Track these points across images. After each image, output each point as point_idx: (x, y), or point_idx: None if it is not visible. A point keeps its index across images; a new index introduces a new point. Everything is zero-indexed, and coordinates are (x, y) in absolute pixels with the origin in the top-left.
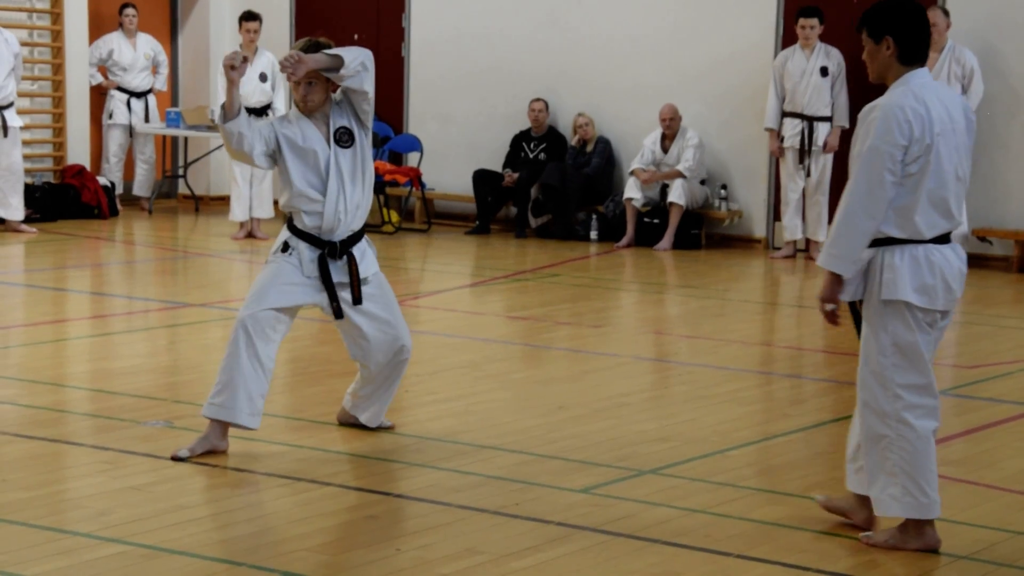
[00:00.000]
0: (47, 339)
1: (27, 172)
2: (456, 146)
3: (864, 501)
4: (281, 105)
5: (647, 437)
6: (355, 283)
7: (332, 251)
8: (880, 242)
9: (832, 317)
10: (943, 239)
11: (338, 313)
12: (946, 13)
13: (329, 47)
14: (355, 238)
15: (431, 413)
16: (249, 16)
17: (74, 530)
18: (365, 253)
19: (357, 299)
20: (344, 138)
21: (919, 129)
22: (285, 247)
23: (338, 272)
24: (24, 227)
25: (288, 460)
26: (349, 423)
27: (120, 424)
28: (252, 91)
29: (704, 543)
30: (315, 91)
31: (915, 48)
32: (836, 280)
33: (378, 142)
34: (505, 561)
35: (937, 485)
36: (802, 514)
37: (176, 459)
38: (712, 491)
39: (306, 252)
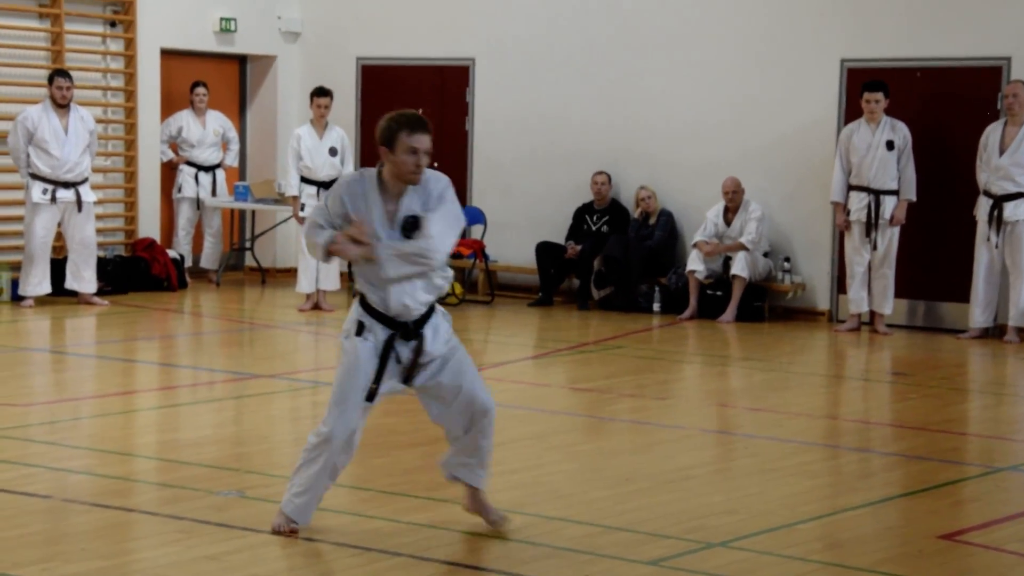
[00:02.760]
0: (118, 410)
1: (99, 246)
2: (519, 218)
3: None
4: None
5: (714, 510)
6: (413, 365)
7: (405, 333)
8: None
9: None
10: None
11: (406, 380)
12: None
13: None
14: (427, 316)
15: (499, 484)
16: (321, 92)
17: None
18: (438, 329)
19: (408, 379)
20: (409, 227)
21: None
22: (360, 328)
23: (406, 351)
24: (96, 299)
25: (358, 531)
26: (477, 512)
27: (192, 494)
28: (323, 164)
29: None
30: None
31: None
32: None
33: None
34: None
35: None
36: None
37: (288, 533)
38: (781, 564)
39: (379, 333)
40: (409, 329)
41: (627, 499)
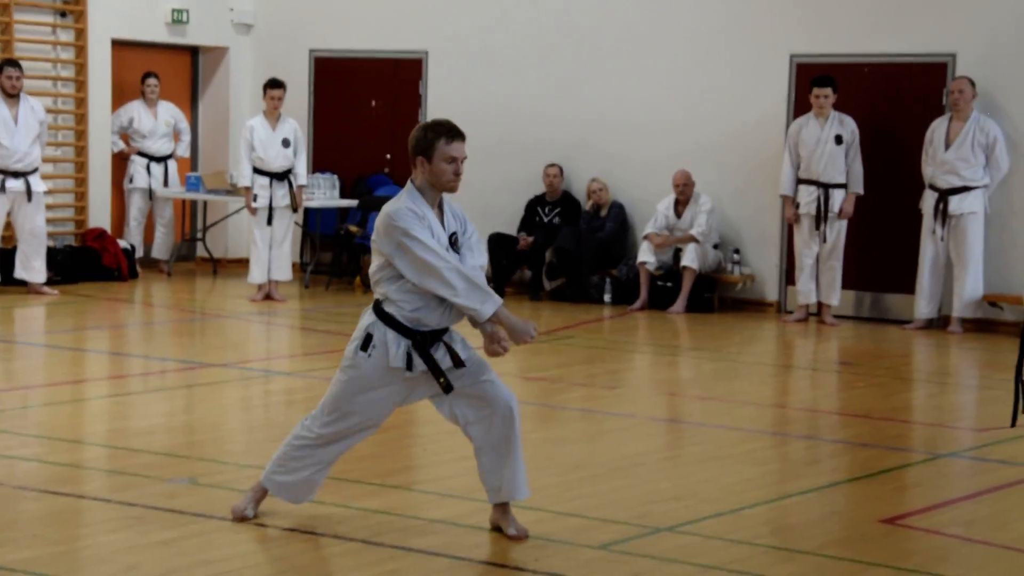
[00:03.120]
0: (68, 399)
1: (49, 235)
2: (471, 210)
3: None
4: (302, 170)
5: (663, 496)
6: (440, 370)
7: (425, 339)
8: None
9: None
10: None
11: (447, 388)
12: (972, 83)
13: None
14: (445, 329)
15: (449, 471)
16: (274, 84)
17: None
18: (453, 339)
19: (447, 387)
20: (455, 244)
21: None
22: (366, 343)
23: (440, 356)
24: (46, 289)
25: (309, 516)
26: (499, 523)
27: (144, 481)
28: (275, 156)
29: None
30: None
31: None
32: None
33: None
34: None
35: None
36: (818, 571)
37: (239, 519)
38: (728, 549)
39: (392, 341)
40: (427, 339)
41: (577, 486)
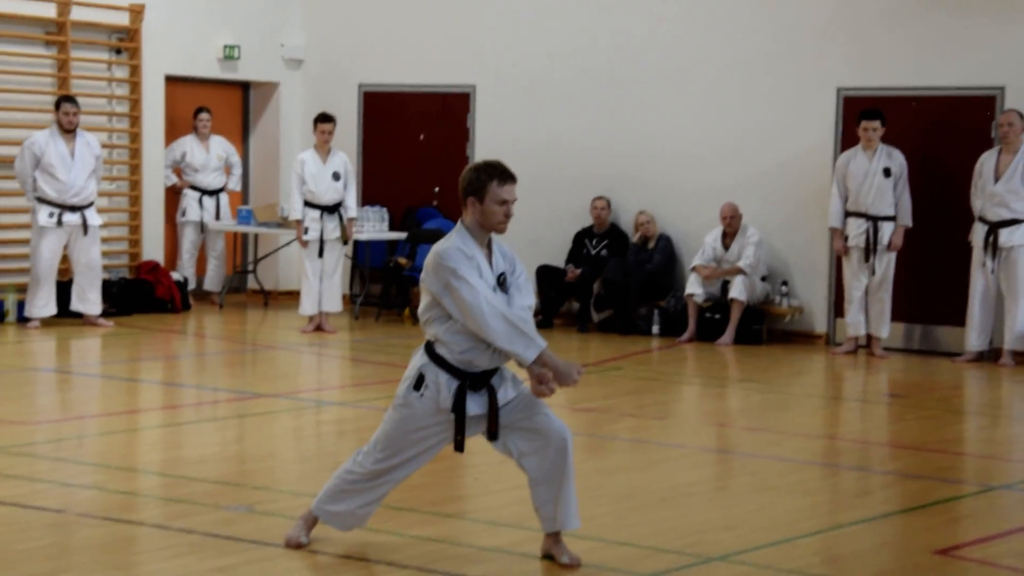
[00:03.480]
0: (123, 428)
1: (104, 268)
2: (519, 242)
3: None
4: (352, 203)
5: (714, 525)
6: (492, 416)
7: (474, 383)
8: None
9: None
10: None
11: (492, 436)
12: (1022, 116)
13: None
14: (496, 369)
15: (500, 500)
16: (324, 118)
17: None
18: (503, 376)
19: (493, 434)
20: (503, 284)
21: None
22: (419, 383)
23: (476, 403)
24: (101, 321)
25: (363, 543)
26: (550, 551)
27: (200, 509)
28: (326, 189)
29: None
30: None
31: None
32: None
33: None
34: None
35: None
36: None
37: (294, 546)
38: None
39: (444, 384)
40: (478, 380)
41: (628, 515)
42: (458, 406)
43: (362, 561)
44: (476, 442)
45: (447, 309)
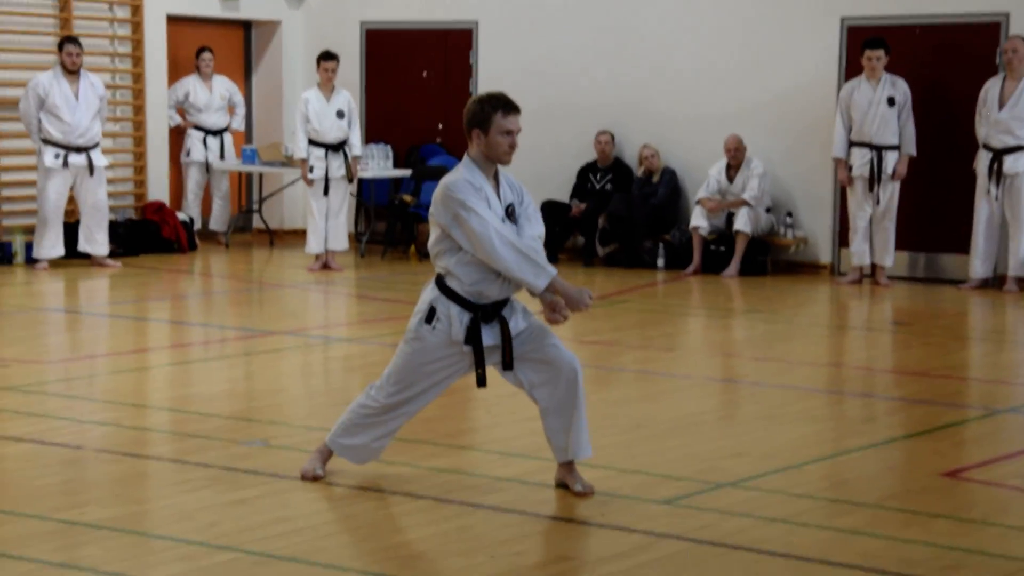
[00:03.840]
0: (135, 367)
1: (110, 209)
2: (524, 178)
3: None
4: (356, 141)
5: (723, 453)
6: (507, 347)
7: (486, 315)
8: None
9: None
10: None
11: (506, 366)
12: None
13: None
14: (506, 300)
15: (515, 431)
16: (327, 56)
17: (188, 539)
18: (514, 307)
19: (508, 364)
20: (512, 215)
21: None
22: (430, 316)
23: (489, 334)
24: (109, 262)
25: (379, 475)
26: (564, 480)
27: (217, 444)
28: (330, 127)
29: (786, 549)
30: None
31: None
32: None
33: None
34: (595, 566)
35: None
36: (880, 523)
37: (310, 478)
38: (790, 503)
39: (456, 316)
40: (489, 311)
41: (638, 444)
42: (474, 339)
43: (378, 492)
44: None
45: (457, 241)
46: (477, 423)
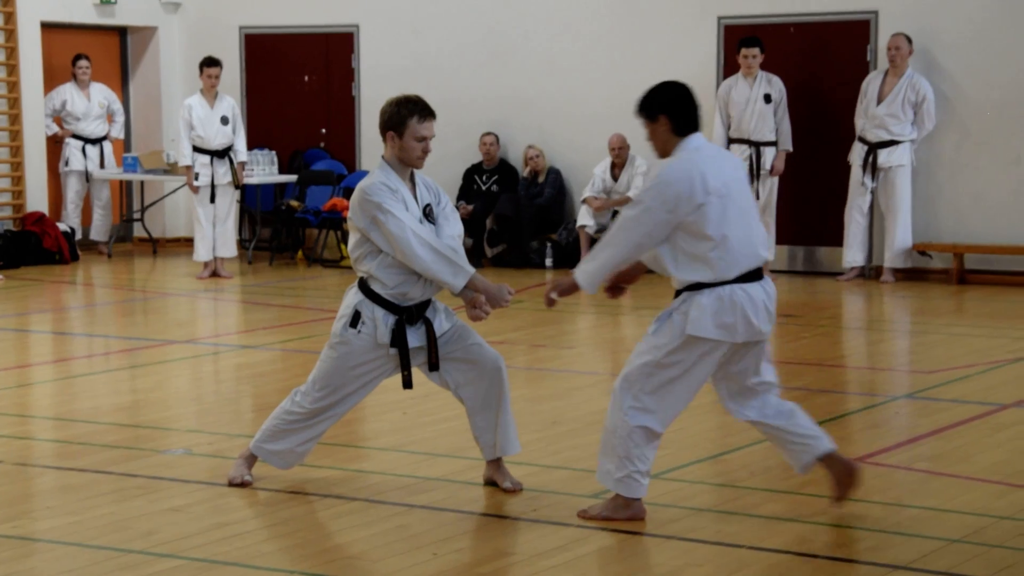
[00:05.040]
0: (37, 379)
1: None
2: None
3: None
4: (242, 146)
5: None
6: (432, 348)
7: (410, 317)
8: (690, 288)
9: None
10: (750, 277)
11: (433, 367)
12: (909, 40)
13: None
14: (428, 301)
15: (433, 432)
16: (211, 62)
17: (128, 548)
18: (436, 308)
19: (434, 364)
20: (430, 215)
21: (687, 191)
22: (355, 320)
23: (414, 336)
24: None
25: (308, 480)
26: (493, 478)
27: (140, 453)
28: (215, 134)
29: (717, 537)
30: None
31: (687, 121)
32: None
33: (333, 180)
34: (536, 560)
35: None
36: (804, 508)
37: (238, 484)
38: (715, 492)
39: (381, 319)
40: (412, 313)
41: (558, 440)
42: (399, 341)
43: (310, 495)
44: (397, 378)
45: (376, 243)
46: (395, 425)
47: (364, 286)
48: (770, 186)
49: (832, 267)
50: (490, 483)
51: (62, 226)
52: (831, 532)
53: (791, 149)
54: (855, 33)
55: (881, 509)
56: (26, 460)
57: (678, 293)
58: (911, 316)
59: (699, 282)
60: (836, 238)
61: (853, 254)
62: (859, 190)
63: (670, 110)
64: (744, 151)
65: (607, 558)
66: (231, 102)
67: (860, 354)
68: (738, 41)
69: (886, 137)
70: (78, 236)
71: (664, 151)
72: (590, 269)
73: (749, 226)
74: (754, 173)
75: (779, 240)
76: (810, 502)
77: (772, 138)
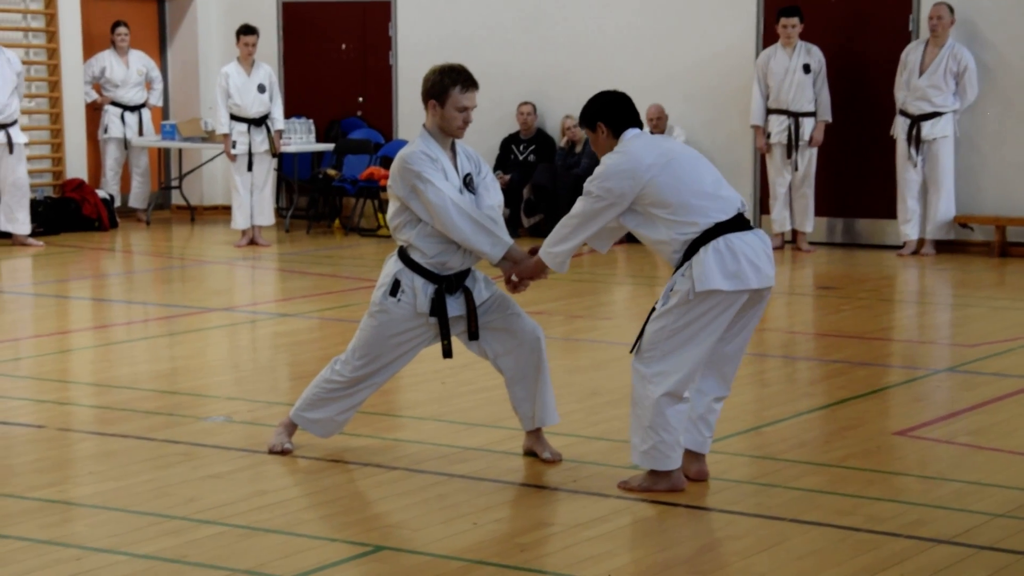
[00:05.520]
0: (78, 346)
1: (30, 187)
2: None
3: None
4: (279, 115)
5: None
6: (472, 317)
7: (450, 286)
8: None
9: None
10: (736, 225)
11: (472, 336)
12: (951, 9)
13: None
14: (468, 270)
15: (473, 402)
16: (247, 30)
17: (170, 514)
18: (476, 277)
19: (473, 334)
20: (470, 185)
21: (629, 172)
22: (395, 288)
23: (454, 305)
24: (31, 241)
25: (347, 448)
26: (532, 449)
27: (181, 420)
28: (252, 102)
29: (757, 510)
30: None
31: (622, 121)
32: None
33: (370, 149)
34: (575, 531)
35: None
36: (843, 482)
37: (279, 452)
38: (754, 464)
39: (420, 288)
40: (452, 282)
41: (598, 411)
42: (439, 310)
43: (349, 464)
44: (436, 348)
45: (416, 212)
46: (434, 395)
47: (404, 255)
48: (809, 157)
49: (871, 239)
50: (530, 453)
51: (101, 193)
52: (871, 505)
53: (830, 120)
54: (897, 2)
55: (922, 483)
56: (68, 425)
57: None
58: (952, 288)
59: (692, 240)
60: (876, 210)
61: (910, 228)
62: (907, 165)
63: (605, 116)
64: (783, 121)
65: (646, 530)
66: (268, 70)
67: (901, 327)
68: (777, 10)
69: (928, 109)
70: (117, 203)
71: (607, 153)
72: (559, 252)
73: (703, 180)
74: (792, 144)
75: (818, 212)
76: (850, 475)
77: (811, 108)
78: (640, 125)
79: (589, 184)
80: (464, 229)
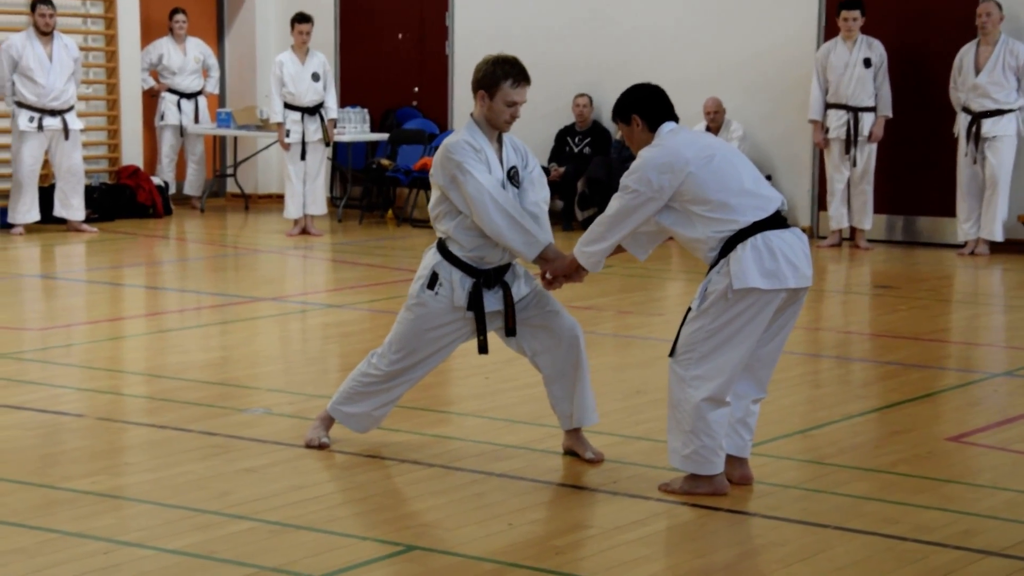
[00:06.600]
0: (124, 334)
1: (85, 173)
2: None
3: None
4: (332, 104)
5: None
6: (509, 313)
7: (488, 280)
8: (722, 253)
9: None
10: (774, 223)
11: (509, 332)
12: (999, 6)
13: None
14: (508, 265)
15: (515, 398)
16: (302, 18)
17: (202, 508)
18: (516, 273)
19: (511, 329)
20: (515, 178)
21: (668, 166)
22: (432, 281)
23: (492, 300)
24: (85, 227)
25: (385, 444)
26: (572, 448)
27: (220, 411)
28: (305, 91)
29: (800, 516)
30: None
31: (658, 114)
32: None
33: (424, 139)
34: (613, 534)
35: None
36: (892, 488)
37: (315, 447)
38: (800, 468)
39: (458, 282)
40: (490, 276)
41: (641, 410)
42: (476, 305)
43: (386, 460)
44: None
45: (455, 203)
46: (476, 390)
47: (442, 247)
48: (868, 153)
49: (931, 237)
50: (570, 453)
51: (156, 180)
52: (920, 514)
53: (891, 115)
54: None
55: (974, 491)
56: (111, 415)
57: (710, 270)
58: (1010, 290)
59: (728, 238)
60: (937, 208)
61: (970, 227)
62: (965, 162)
63: (641, 109)
64: (842, 116)
65: (687, 534)
66: (322, 59)
67: (957, 328)
68: (838, 3)
69: (991, 106)
70: (172, 190)
71: (643, 147)
72: (594, 252)
73: (743, 177)
74: (851, 139)
75: (877, 209)
76: (899, 482)
77: (871, 103)
78: (676, 119)
79: (626, 179)
80: (500, 225)
